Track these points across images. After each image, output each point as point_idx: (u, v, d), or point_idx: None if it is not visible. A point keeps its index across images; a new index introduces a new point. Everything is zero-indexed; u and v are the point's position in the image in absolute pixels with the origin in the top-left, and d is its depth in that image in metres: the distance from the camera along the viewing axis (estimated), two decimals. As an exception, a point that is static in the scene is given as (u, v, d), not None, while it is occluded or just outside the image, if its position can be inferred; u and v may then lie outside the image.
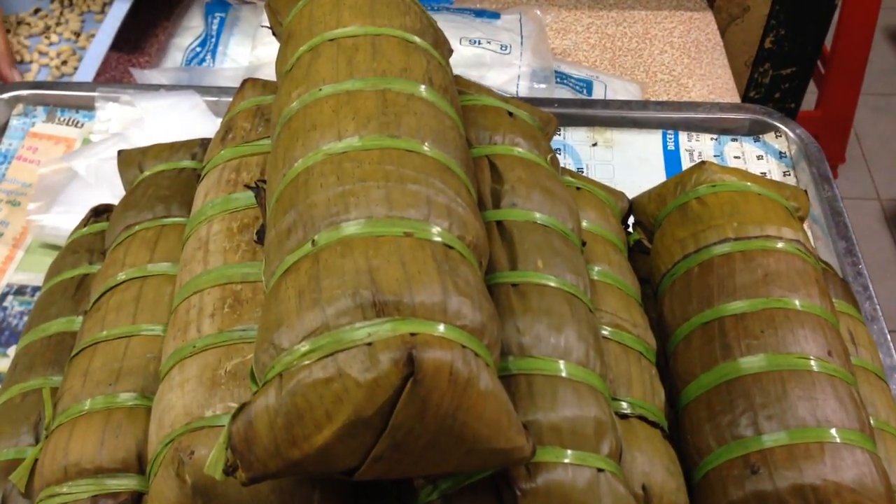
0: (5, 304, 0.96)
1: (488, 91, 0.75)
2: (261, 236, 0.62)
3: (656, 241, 0.80)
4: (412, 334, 0.48)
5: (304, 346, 0.49)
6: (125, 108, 1.09)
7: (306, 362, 0.48)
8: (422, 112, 0.59)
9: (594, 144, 1.11)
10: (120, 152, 0.89)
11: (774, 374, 0.66)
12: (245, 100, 0.76)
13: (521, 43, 1.32)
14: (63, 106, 1.14)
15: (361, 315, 0.49)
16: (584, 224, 0.76)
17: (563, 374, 0.57)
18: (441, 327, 0.49)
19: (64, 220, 0.99)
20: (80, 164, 1.01)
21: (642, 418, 0.65)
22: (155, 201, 0.79)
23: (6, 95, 1.13)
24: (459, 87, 0.74)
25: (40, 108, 1.13)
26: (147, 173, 0.84)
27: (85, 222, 0.90)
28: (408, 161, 0.56)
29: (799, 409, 0.64)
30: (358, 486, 0.56)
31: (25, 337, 0.82)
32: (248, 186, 0.67)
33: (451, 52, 0.74)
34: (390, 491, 0.58)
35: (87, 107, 1.12)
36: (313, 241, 0.53)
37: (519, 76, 1.29)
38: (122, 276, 0.74)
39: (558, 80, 1.31)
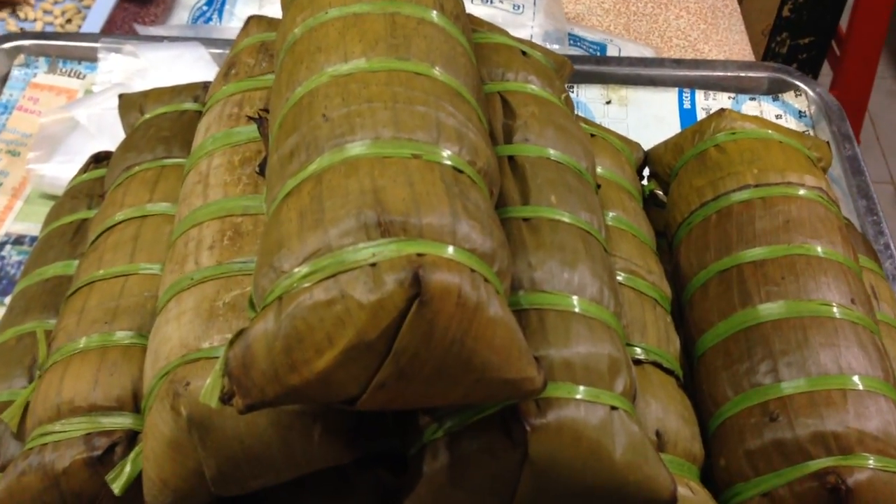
0: (3, 253, 0.94)
1: (501, 30, 0.73)
2: (263, 168, 0.59)
3: (673, 191, 0.77)
4: (419, 255, 0.45)
5: (305, 269, 0.46)
6: (128, 58, 1.07)
7: (307, 284, 0.46)
8: (432, 36, 0.56)
9: (608, 102, 1.08)
10: (121, 96, 0.86)
11: (795, 321, 0.63)
12: (250, 36, 0.74)
13: (535, 4, 1.29)
14: (65, 57, 1.11)
15: (366, 235, 0.46)
16: (599, 170, 0.74)
17: (576, 310, 0.55)
18: (450, 249, 0.46)
19: (64, 169, 0.96)
20: (81, 114, 0.99)
21: (657, 365, 0.63)
22: (155, 142, 0.77)
23: (7, 45, 1.11)
24: (472, 25, 0.71)
25: (42, 59, 1.11)
26: (148, 115, 0.82)
27: (85, 168, 0.88)
28: (417, 84, 0.53)
29: (820, 355, 0.61)
30: (360, 425, 0.54)
31: (22, 281, 0.80)
32: (250, 118, 0.64)
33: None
34: (393, 429, 0.56)
35: (90, 58, 1.10)
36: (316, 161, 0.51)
37: (531, 37, 1.26)
38: (120, 216, 0.72)
39: (571, 42, 1.29)
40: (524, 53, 0.71)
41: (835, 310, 0.63)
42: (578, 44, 1.29)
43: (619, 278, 0.66)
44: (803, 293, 0.64)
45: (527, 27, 1.27)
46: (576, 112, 1.06)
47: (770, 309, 0.64)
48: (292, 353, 0.46)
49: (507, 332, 0.47)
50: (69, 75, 1.09)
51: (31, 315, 0.75)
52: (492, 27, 0.73)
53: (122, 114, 0.85)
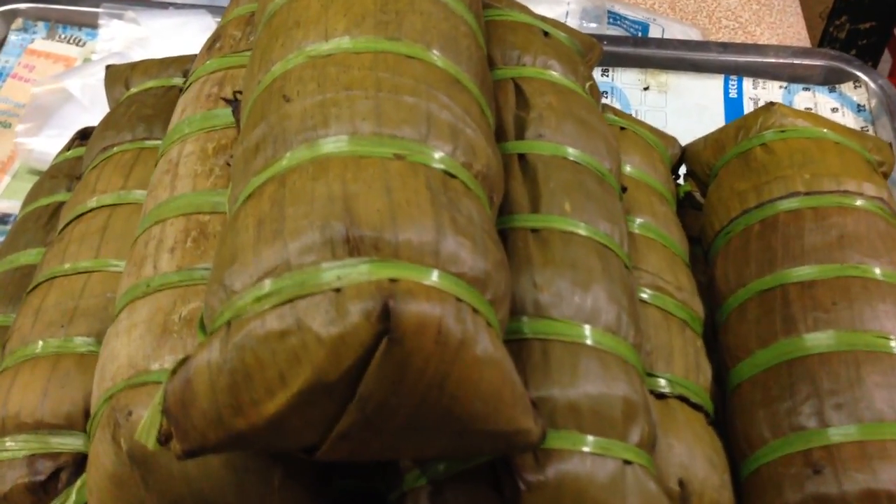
0: (-15, 232, 0.88)
1: (522, 6, 0.64)
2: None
3: (711, 194, 0.68)
4: (392, 280, 0.37)
5: (258, 290, 0.39)
6: (130, 26, 1.00)
7: (259, 309, 0.38)
8: (430, 12, 0.48)
9: (646, 88, 0.99)
10: (108, 67, 0.79)
11: (847, 355, 0.54)
12: (240, 5, 0.66)
13: (573, -23, 1.20)
14: (65, 22, 1.04)
15: (331, 253, 0.38)
16: (627, 169, 0.65)
17: (588, 342, 0.47)
18: (432, 274, 0.38)
19: (54, 144, 0.89)
20: (74, 84, 0.92)
21: (683, 399, 0.54)
22: (136, 121, 0.70)
23: (4, 8, 1.04)
24: (487, 0, 0.63)
25: (41, 24, 1.04)
26: (133, 90, 0.74)
27: (70, 145, 0.81)
28: (407, 69, 0.45)
29: (876, 398, 0.52)
30: (330, 466, 0.46)
31: (-9, 268, 0.73)
32: (225, 100, 0.57)
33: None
34: (372, 471, 0.48)
35: (91, 24, 1.03)
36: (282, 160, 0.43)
37: (567, 13, 1.17)
38: (91, 203, 0.65)
39: (611, 20, 1.19)
40: (546, 34, 0.62)
41: (893, 344, 0.54)
42: (618, 23, 1.19)
43: (643, 296, 0.57)
44: (857, 322, 0.55)
45: (562, 4, 1.18)
46: (610, 99, 0.97)
47: (818, 339, 0.55)
48: (238, 392, 0.38)
49: (499, 375, 0.39)
50: (68, 42, 1.02)
51: (-2, 306, 0.68)
52: (511, 2, 0.64)
53: (108, 87, 0.78)
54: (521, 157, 0.54)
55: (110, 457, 0.46)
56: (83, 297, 0.59)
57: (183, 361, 0.40)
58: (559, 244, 0.50)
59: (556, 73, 0.59)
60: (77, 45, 1.02)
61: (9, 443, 0.54)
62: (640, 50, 1.01)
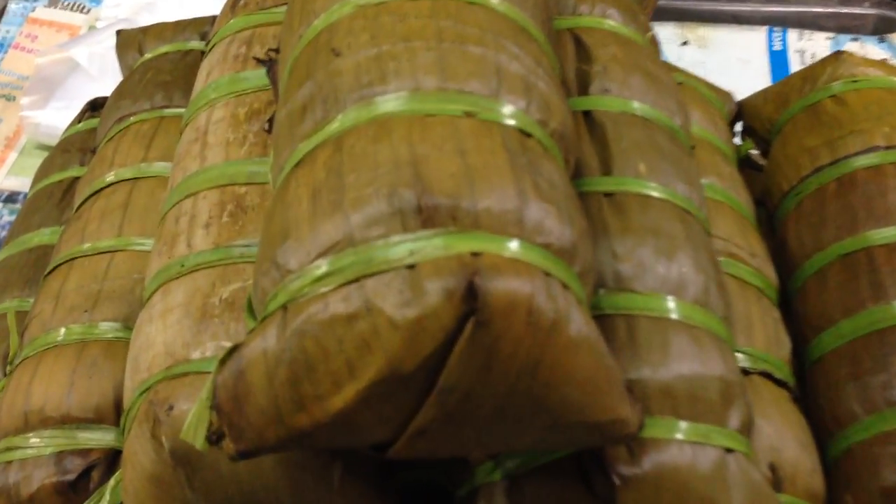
0: (-7, 211, 0.83)
1: (571, -49, 0.59)
2: (273, 124, 0.46)
3: (776, 152, 0.63)
4: (474, 254, 0.32)
5: (319, 268, 0.34)
6: (138, -11, 0.94)
7: (321, 290, 0.34)
8: (490, -48, 0.43)
9: (684, 43, 0.94)
10: (119, 32, 0.74)
11: (946, 323, 0.50)
12: (262, -39, 0.60)
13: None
14: (67, -11, 0.99)
15: (401, 225, 0.34)
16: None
17: (676, 316, 0.42)
18: (515, 245, 0.33)
19: (62, 117, 0.84)
20: (81, 53, 0.87)
21: (767, 375, 0.50)
22: (154, 88, 0.65)
23: (3, -25, 0.98)
24: (535, -56, 0.57)
25: (42, -9, 0.99)
26: (148, 56, 0.69)
27: (80, 117, 0.76)
28: (470, 16, 0.40)
29: (981, 370, 0.48)
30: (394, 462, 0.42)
31: (4, 249, 0.68)
32: (258, 60, 0.52)
33: None
34: (436, 464, 0.44)
35: (95, -10, 0.97)
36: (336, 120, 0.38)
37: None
38: (110, 178, 0.60)
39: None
40: (600, -20, 0.57)
41: None
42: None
43: (716, 263, 0.52)
44: (955, 286, 0.51)
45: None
46: (648, 54, 0.91)
47: (912, 306, 0.51)
48: (300, 385, 0.33)
49: (593, 358, 0.34)
50: (72, 9, 0.97)
51: (10, 292, 0.63)
52: (559, -52, 0.59)
53: (120, 54, 0.73)
54: (587, 114, 0.49)
55: (149, 455, 0.42)
56: (107, 279, 0.54)
57: (232, 350, 0.35)
58: (636, 209, 0.45)
59: (615, 23, 0.54)
60: (81, 12, 0.97)
61: (33, 439, 0.50)
62: (676, 2, 0.95)
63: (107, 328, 0.52)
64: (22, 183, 0.85)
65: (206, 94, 0.53)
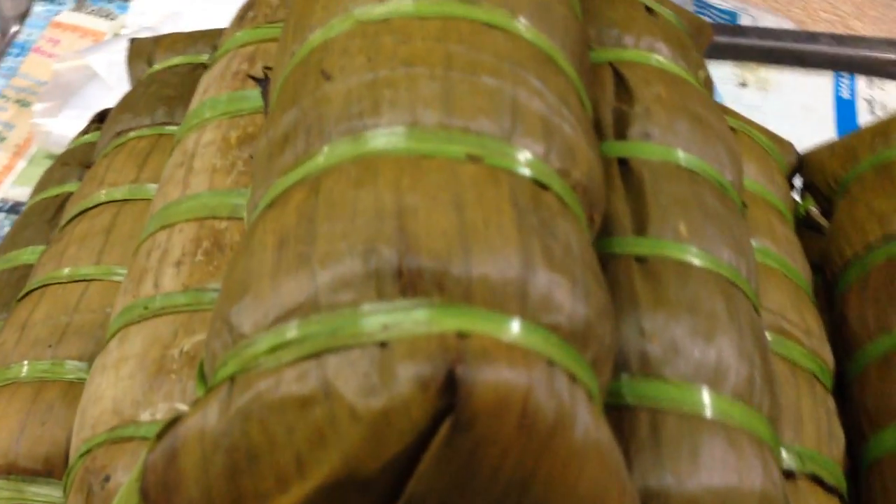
0: (-5, 223, 0.79)
1: (620, -23, 0.52)
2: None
3: (840, 214, 0.56)
4: (460, 334, 0.26)
5: (276, 335, 0.28)
6: (164, -2, 0.90)
7: (275, 363, 0.27)
8: (518, -31, 0.37)
9: (742, 84, 0.87)
10: (132, 41, 0.69)
11: None
12: (278, -30, 0.55)
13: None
14: (96, -7, 0.95)
15: (376, 290, 0.27)
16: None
17: (709, 414, 0.35)
18: (514, 325, 0.27)
19: (74, 126, 0.79)
20: (99, 61, 0.83)
21: (816, 479, 0.43)
22: (156, 103, 0.60)
23: (31, -24, 0.95)
24: (579, -33, 0.51)
25: (69, -6, 0.95)
26: (156, 67, 0.64)
27: (87, 128, 0.71)
28: (486, 41, 0.34)
29: None
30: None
31: (-10, 266, 0.64)
32: (253, 78, 0.46)
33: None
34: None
35: (123, -4, 0.93)
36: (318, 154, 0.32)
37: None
38: (98, 197, 0.55)
39: (697, 7, 1.07)
40: (649, 10, 0.50)
41: None
42: (704, 11, 1.08)
43: (764, 340, 0.45)
44: None
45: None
46: (701, 94, 0.85)
47: None
48: (239, 479, 0.27)
49: (602, 470, 0.28)
50: (98, 15, 0.93)
51: (-11, 312, 0.59)
52: (607, -27, 0.53)
53: (131, 64, 0.68)
54: (623, 162, 0.42)
55: (84, 530, 0.36)
56: (78, 311, 0.49)
57: (172, 423, 0.29)
58: (673, 278, 0.38)
59: (663, 58, 0.47)
60: (108, 18, 0.93)
61: (-23, 488, 0.44)
62: (737, 39, 0.88)
63: (70, 367, 0.47)
64: (27, 193, 0.80)
65: (200, 112, 0.48)
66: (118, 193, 0.54)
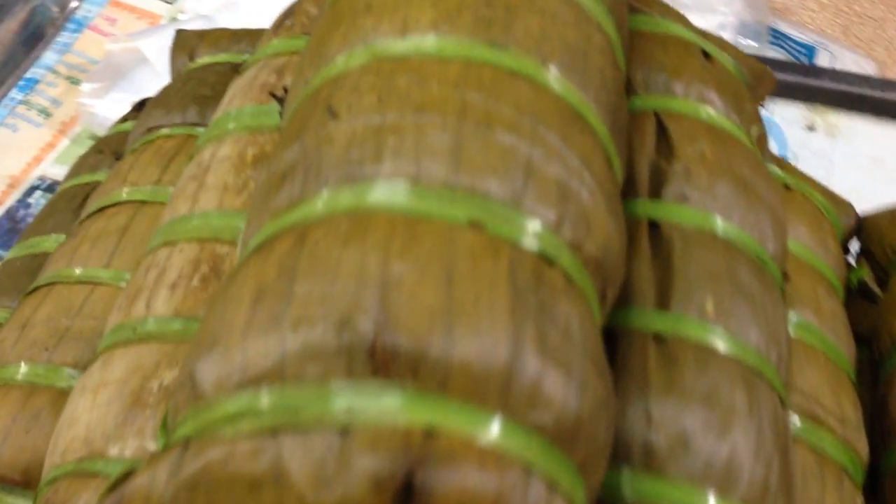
0: (31, 199, 0.79)
1: (678, 14, 0.49)
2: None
3: (893, 287, 0.52)
4: (427, 431, 0.24)
5: (236, 401, 0.26)
6: (224, -15, 0.89)
7: (230, 433, 0.25)
8: (554, 13, 0.34)
9: (810, 128, 0.82)
10: (178, 33, 0.68)
11: None
12: (324, -23, 0.53)
13: (735, -15, 1.03)
14: (158, -26, 0.94)
15: (346, 367, 0.25)
16: (788, 242, 0.49)
17: (716, 519, 0.32)
18: (492, 424, 0.24)
19: (119, 110, 0.79)
20: (150, 46, 0.82)
21: (833, 588, 0.39)
22: (190, 102, 0.58)
23: (95, -48, 0.94)
24: (636, 3, 0.48)
25: (132, -27, 0.94)
26: (196, 63, 0.63)
27: (126, 116, 0.70)
28: (509, 91, 0.31)
29: None
30: None
31: (14, 248, 0.63)
32: (274, 96, 0.44)
33: (633, -53, 0.48)
34: None
35: (184, -21, 0.92)
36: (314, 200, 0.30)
37: (722, 26, 1.01)
38: (119, 196, 0.53)
39: (773, 40, 1.03)
40: (706, 55, 0.47)
41: None
42: (780, 42, 1.03)
43: (791, 426, 0.42)
44: None
45: (718, 13, 1.02)
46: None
47: None
48: (178, 553, 0.25)
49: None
50: (157, -3, 0.92)
51: (5, 297, 0.57)
52: (666, 8, 0.49)
53: (174, 56, 0.66)
54: (654, 225, 0.39)
55: (40, 562, 0.34)
56: (80, 316, 0.47)
57: (123, 478, 0.28)
58: (691, 363, 0.35)
59: (713, 111, 0.44)
60: (167, 1, 0.92)
61: (-46, 492, 0.43)
62: (809, 80, 0.84)
63: (63, 374, 0.45)
64: (66, 172, 0.80)
65: (221, 123, 0.46)
66: (139, 194, 0.53)
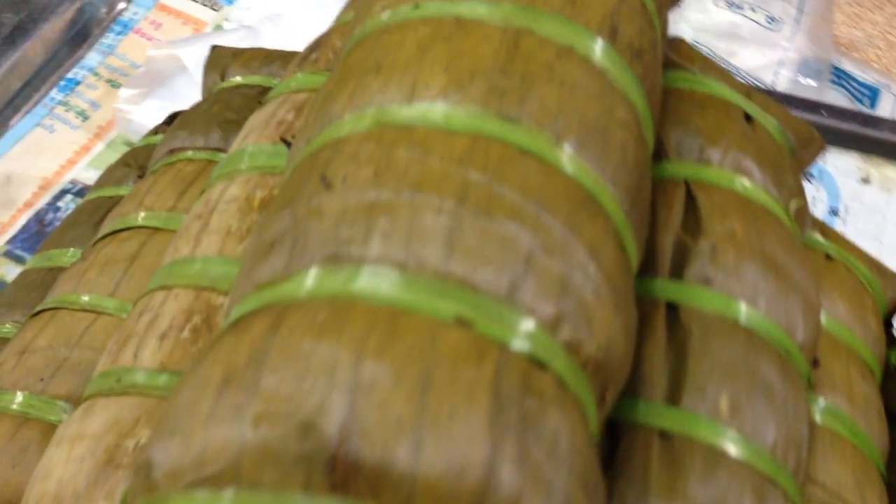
0: (61, 203, 0.78)
1: (721, 72, 0.46)
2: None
3: (936, 373, 0.49)
4: (382, 564, 0.22)
5: (186, 500, 0.24)
6: (269, -4, 0.88)
7: (175, 535, 0.24)
8: (574, 84, 0.31)
9: (865, 181, 0.78)
10: (213, 49, 0.67)
11: None
12: (355, 9, 0.51)
13: (797, 19, 1.00)
14: (206, -20, 0.93)
15: (302, 480, 0.23)
16: (824, 319, 0.46)
17: None
18: (456, 556, 0.22)
19: (154, 118, 0.78)
20: (189, 55, 0.81)
21: None
22: (213, 125, 0.57)
23: (146, -46, 0.94)
24: (675, 57, 0.45)
25: (181, -23, 0.93)
26: (226, 83, 0.61)
27: (157, 128, 0.69)
28: (515, 172, 0.29)
29: None
30: None
31: (32, 259, 0.62)
32: (283, 140, 0.42)
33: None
34: None
35: (232, -13, 0.91)
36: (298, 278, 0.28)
37: (782, 62, 0.97)
38: (134, 220, 0.52)
39: (834, 79, 0.99)
40: (748, 118, 0.44)
41: None
42: (843, 82, 0.99)
43: (810, 524, 0.39)
44: None
45: (779, 48, 0.98)
46: (815, 185, 0.77)
47: None
48: None
49: None
50: (203, 3, 0.91)
51: (12, 314, 0.57)
52: (707, 64, 0.47)
53: (206, 72, 0.65)
54: (672, 307, 0.36)
55: None
56: (79, 346, 0.46)
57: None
58: (698, 466, 0.32)
59: (749, 183, 0.41)
60: (213, 8, 0.91)
61: (-64, 523, 0.42)
62: (866, 130, 0.80)
63: (56, 407, 0.44)
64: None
65: (234, 160, 0.45)
66: (153, 220, 0.52)
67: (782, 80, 0.94)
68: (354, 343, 0.25)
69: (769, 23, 0.98)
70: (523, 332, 0.26)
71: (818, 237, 0.51)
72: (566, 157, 0.30)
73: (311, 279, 0.27)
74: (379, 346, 0.25)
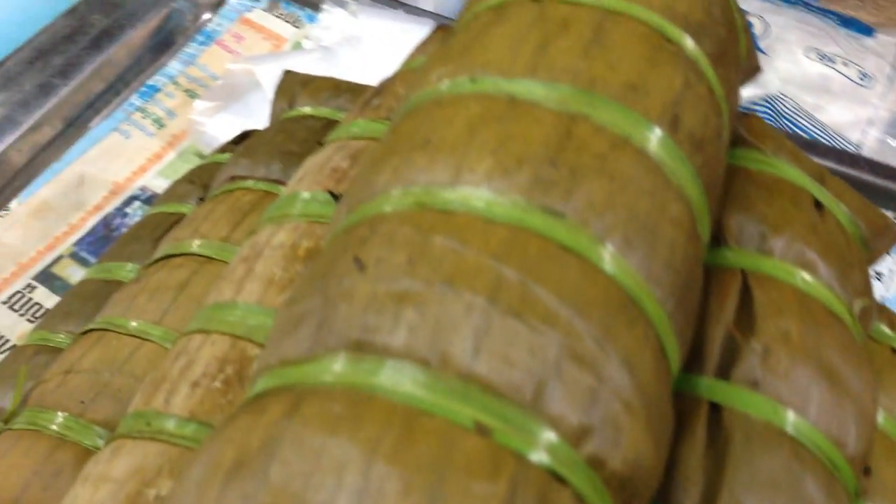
0: (129, 209, 0.79)
1: (793, 152, 0.44)
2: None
3: None
4: None
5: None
6: (349, 18, 0.88)
7: None
8: (626, 177, 0.30)
9: (945, 256, 0.75)
10: (284, 74, 0.67)
11: None
12: (424, 54, 0.51)
13: (891, 77, 0.96)
14: (291, -4, 0.94)
15: (296, 588, 0.23)
16: (881, 419, 0.44)
17: None
18: None
19: (227, 132, 0.79)
20: (264, 72, 0.81)
21: None
22: (275, 156, 0.57)
23: (234, -33, 0.95)
24: (746, 134, 0.44)
25: (266, -8, 0.94)
26: (293, 112, 0.61)
27: (224, 147, 0.70)
28: (553, 271, 0.28)
29: None
30: None
31: (91, 269, 0.63)
32: (332, 194, 0.42)
33: (755, 71, 0.44)
34: None
35: (314, 5, 0.92)
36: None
37: (871, 121, 0.93)
38: (188, 247, 0.53)
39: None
40: (818, 206, 0.42)
41: None
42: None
43: None
44: None
45: (869, 105, 0.95)
46: (893, 258, 0.74)
47: None
48: None
49: None
50: (285, 19, 0.92)
51: (66, 323, 0.58)
52: (781, 143, 0.45)
53: (275, 99, 0.65)
54: (715, 408, 0.35)
55: None
56: (122, 372, 0.47)
57: None
58: (724, 588, 0.31)
59: (811, 278, 0.39)
60: (294, 25, 0.91)
61: (-32, 535, 0.43)
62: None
63: (92, 432, 0.45)
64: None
65: (286, 204, 0.44)
66: (207, 248, 0.52)
67: (870, 140, 0.90)
68: (368, 443, 0.24)
69: (861, 79, 0.94)
70: (544, 443, 0.25)
71: (885, 329, 0.48)
72: (608, 255, 0.29)
73: (333, 365, 0.27)
74: (392, 449, 0.24)
